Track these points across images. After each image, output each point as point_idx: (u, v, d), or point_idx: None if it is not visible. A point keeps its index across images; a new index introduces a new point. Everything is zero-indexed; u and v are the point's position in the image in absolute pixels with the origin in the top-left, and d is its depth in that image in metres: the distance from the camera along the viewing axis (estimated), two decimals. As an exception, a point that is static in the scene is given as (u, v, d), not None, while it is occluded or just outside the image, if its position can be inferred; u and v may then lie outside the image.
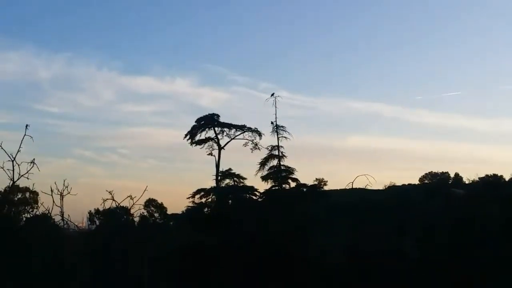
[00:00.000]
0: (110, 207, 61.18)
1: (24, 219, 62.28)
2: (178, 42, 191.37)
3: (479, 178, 67.87)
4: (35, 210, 62.75)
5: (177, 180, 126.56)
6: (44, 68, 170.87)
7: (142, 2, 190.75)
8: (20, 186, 63.29)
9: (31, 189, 59.68)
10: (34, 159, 19.13)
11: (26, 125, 18.87)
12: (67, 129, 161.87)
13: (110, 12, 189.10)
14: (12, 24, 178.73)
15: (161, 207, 65.60)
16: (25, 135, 19.16)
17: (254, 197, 52.97)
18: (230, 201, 52.95)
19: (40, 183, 27.90)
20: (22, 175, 19.50)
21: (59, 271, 37.29)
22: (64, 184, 23.29)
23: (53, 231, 47.47)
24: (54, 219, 52.67)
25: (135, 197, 24.60)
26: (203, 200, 52.45)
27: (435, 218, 45.48)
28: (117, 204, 24.42)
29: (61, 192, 23.62)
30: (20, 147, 18.95)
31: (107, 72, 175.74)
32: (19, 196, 64.82)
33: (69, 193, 23.56)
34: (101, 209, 24.37)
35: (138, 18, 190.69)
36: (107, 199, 24.48)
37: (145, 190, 23.96)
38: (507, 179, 67.20)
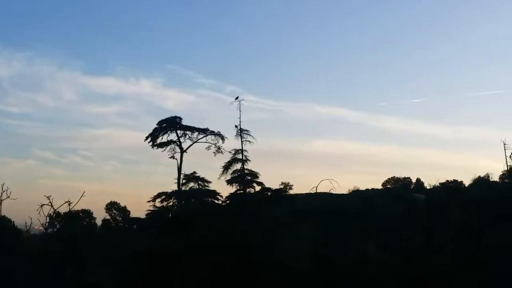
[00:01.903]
0: (70, 210, 59.81)
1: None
2: (144, 42, 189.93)
3: (439, 183, 69.30)
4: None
5: (141, 182, 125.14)
6: (4, 66, 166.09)
7: (108, 1, 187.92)
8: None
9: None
10: None
11: None
12: (27, 129, 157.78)
13: (73, 10, 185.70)
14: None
15: (123, 210, 64.54)
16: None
17: (216, 201, 52.57)
18: (192, 205, 52.40)
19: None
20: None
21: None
22: (2, 188, 22.33)
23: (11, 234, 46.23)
24: (13, 222, 51.25)
25: (72, 202, 23.90)
26: (164, 203, 51.71)
27: (398, 223, 46.20)
28: (54, 209, 23.70)
29: None
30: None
31: (69, 71, 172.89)
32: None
33: (8, 197, 22.62)
34: (42, 214, 23.56)
35: (102, 17, 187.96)
36: (43, 204, 23.69)
37: (82, 195, 23.28)
38: (467, 184, 68.86)
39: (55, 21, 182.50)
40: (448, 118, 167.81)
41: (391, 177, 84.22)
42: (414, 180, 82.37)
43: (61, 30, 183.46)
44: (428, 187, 72.92)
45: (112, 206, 65.34)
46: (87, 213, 61.78)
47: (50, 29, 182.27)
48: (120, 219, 63.79)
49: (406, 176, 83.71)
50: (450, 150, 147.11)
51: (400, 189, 73.84)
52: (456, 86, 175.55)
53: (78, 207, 60.42)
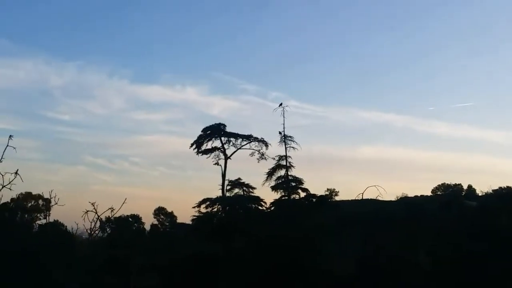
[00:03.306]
0: (121, 216, 61.19)
1: (37, 226, 62.83)
2: (188, 50, 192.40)
3: (492, 190, 67.09)
4: (47, 217, 63.31)
5: (187, 188, 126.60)
6: (56, 76, 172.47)
7: (152, 10, 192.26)
8: (33, 193, 64.31)
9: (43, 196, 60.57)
10: (17, 169, 18.90)
11: (10, 136, 18.50)
12: (78, 136, 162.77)
13: (121, 21, 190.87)
14: (24, 32, 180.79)
15: (171, 216, 65.74)
16: (7, 145, 18.81)
17: (260, 207, 52.67)
18: (236, 211, 52.70)
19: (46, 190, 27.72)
20: (4, 186, 19.23)
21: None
22: (50, 195, 23.14)
23: (65, 238, 47.76)
24: (66, 226, 53.01)
25: (114, 209, 24.35)
26: (209, 209, 52.24)
27: (448, 230, 44.93)
28: (98, 216, 24.20)
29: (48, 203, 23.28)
30: (1, 157, 18.58)
31: (118, 80, 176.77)
32: (32, 203, 65.42)
33: (56, 203, 23.43)
34: (87, 220, 24.34)
35: (148, 27, 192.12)
36: (88, 210, 24.23)
37: (124, 202, 23.65)
38: (521, 191, 66.38)
39: (104, 31, 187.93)
40: (500, 122, 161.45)
41: (441, 184, 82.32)
42: (465, 187, 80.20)
43: (110, 39, 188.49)
44: (480, 194, 70.77)
45: (160, 212, 66.73)
46: (136, 218, 63.30)
47: (100, 39, 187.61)
48: (168, 224, 64.98)
49: (457, 183, 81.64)
50: (504, 155, 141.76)
51: (451, 196, 71.89)
52: (508, 90, 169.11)
53: (127, 212, 62.30)
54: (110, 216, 33.04)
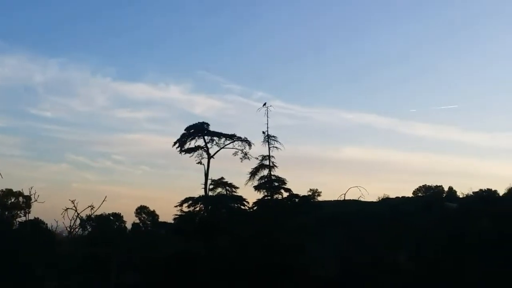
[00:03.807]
0: (102, 214, 60.70)
1: (17, 223, 62.10)
2: (173, 49, 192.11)
3: (473, 192, 67.93)
4: (27, 214, 62.60)
5: (170, 187, 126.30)
6: (39, 72, 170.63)
7: (138, 8, 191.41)
8: (14, 190, 63.48)
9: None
10: None
11: None
12: (61, 134, 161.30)
13: (105, 18, 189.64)
14: (7, 29, 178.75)
15: (153, 215, 65.37)
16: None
17: (243, 207, 52.62)
18: (220, 211, 52.56)
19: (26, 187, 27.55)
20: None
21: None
22: (30, 192, 22.89)
23: (45, 236, 47.27)
24: (46, 224, 52.47)
25: (94, 207, 24.21)
26: (191, 209, 52.04)
27: (429, 232, 45.38)
28: (78, 214, 23.99)
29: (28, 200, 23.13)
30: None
31: (101, 77, 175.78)
32: (12, 200, 64.57)
33: (36, 200, 23.19)
34: (67, 217, 24.04)
35: (133, 25, 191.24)
36: (68, 208, 24.03)
37: (103, 201, 23.53)
38: (501, 194, 67.26)
39: (88, 28, 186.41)
40: (482, 125, 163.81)
41: (422, 185, 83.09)
42: (446, 189, 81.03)
43: (93, 36, 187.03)
44: (460, 196, 71.61)
45: (141, 210, 66.29)
46: (117, 217, 62.81)
47: (83, 36, 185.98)
48: (149, 223, 64.60)
49: (438, 185, 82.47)
50: (485, 158, 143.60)
51: (432, 198, 72.63)
52: (490, 93, 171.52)
53: (109, 211, 61.81)
54: (91, 214, 32.77)
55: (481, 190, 68.55)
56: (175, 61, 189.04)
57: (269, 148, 49.07)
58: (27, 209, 62.80)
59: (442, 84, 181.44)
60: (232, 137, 57.44)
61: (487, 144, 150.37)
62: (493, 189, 68.80)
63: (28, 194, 24.93)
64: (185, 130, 58.59)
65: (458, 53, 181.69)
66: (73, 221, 24.25)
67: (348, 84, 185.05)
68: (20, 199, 64.11)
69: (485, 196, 64.96)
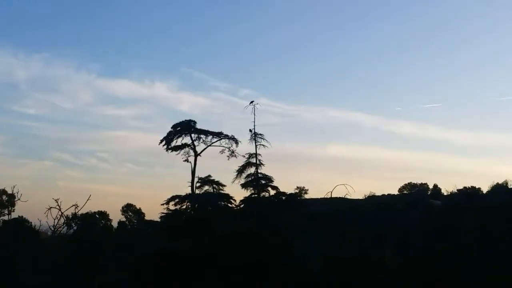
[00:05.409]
0: (87, 212, 60.23)
1: (1, 221, 61.41)
2: (158, 46, 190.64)
3: (457, 189, 68.59)
4: (10, 213, 61.94)
5: (156, 185, 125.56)
6: (21, 68, 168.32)
7: (122, 5, 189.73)
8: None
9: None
10: None
11: None
12: (45, 131, 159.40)
13: (90, 13, 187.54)
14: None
15: (139, 213, 65.07)
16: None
17: (229, 205, 52.61)
18: (206, 209, 52.51)
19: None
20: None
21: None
22: (13, 190, 22.55)
23: (29, 235, 46.77)
24: (31, 222, 51.95)
25: (78, 205, 23.93)
26: (178, 207, 51.96)
27: (414, 228, 45.74)
28: (61, 212, 23.68)
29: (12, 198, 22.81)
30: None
31: (86, 74, 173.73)
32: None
33: (19, 199, 22.86)
34: (50, 216, 23.63)
35: (118, 20, 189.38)
36: (51, 207, 23.68)
37: (88, 199, 23.28)
38: (484, 191, 68.04)
39: (72, 23, 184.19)
40: (466, 123, 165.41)
41: (408, 183, 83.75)
42: (431, 186, 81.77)
43: (77, 32, 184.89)
44: (445, 193, 72.27)
45: (128, 209, 65.96)
46: (103, 215, 62.39)
47: (68, 31, 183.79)
48: (136, 221, 64.30)
49: (423, 182, 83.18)
50: (469, 156, 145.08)
51: (417, 195, 73.20)
52: (475, 91, 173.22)
53: (94, 209, 61.35)
54: (76, 213, 32.43)
55: (465, 187, 69.30)
56: (161, 58, 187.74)
57: (256, 146, 49.33)
58: (11, 208, 62.16)
59: (426, 83, 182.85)
60: (219, 135, 57.54)
61: (471, 142, 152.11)
62: (477, 187, 69.68)
63: (11, 192, 24.60)
64: (171, 127, 58.58)
65: (443, 52, 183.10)
66: (57, 220, 23.92)
67: (335, 82, 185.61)
68: (4, 197, 63.42)
69: (469, 194, 65.66)
